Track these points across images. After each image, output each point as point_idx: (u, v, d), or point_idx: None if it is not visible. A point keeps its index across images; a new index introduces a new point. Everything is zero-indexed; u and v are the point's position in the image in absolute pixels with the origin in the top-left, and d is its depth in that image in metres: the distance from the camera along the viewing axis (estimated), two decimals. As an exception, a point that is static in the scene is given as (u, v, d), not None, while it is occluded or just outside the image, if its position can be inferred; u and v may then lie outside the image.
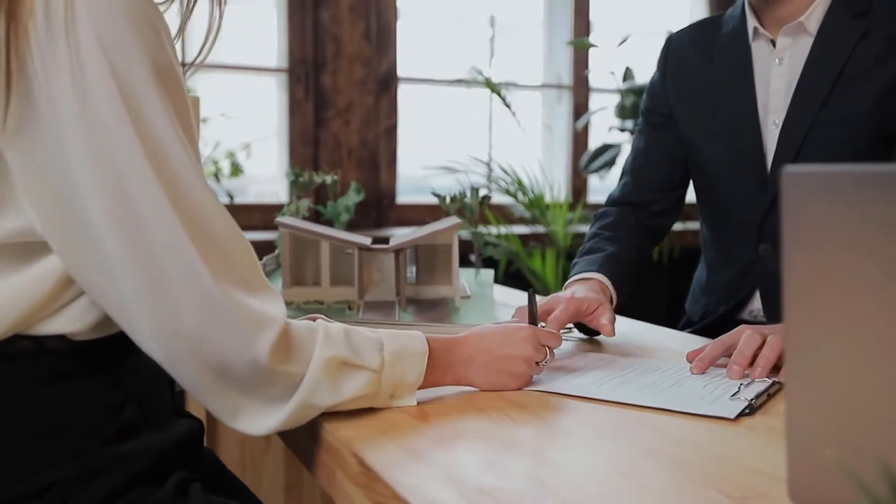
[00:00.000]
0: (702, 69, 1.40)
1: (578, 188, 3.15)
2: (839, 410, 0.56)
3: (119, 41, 0.69)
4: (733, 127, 1.34)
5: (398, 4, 2.83)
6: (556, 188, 2.76)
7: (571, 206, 2.77)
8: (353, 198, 1.56)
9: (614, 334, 1.12)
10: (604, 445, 0.76)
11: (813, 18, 1.26)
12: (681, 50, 1.44)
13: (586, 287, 1.19)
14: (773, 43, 1.30)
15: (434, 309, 1.29)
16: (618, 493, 0.64)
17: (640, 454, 0.73)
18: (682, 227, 2.91)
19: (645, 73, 3.08)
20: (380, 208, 2.84)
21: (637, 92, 2.94)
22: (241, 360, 0.72)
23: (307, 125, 2.73)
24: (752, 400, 0.86)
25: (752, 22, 1.32)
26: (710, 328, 1.37)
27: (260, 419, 0.75)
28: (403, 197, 2.95)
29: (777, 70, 1.30)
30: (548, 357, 0.95)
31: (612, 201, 1.50)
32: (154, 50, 0.72)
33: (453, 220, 1.36)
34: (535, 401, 0.89)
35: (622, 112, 2.96)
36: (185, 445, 0.84)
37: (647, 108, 1.49)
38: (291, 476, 1.60)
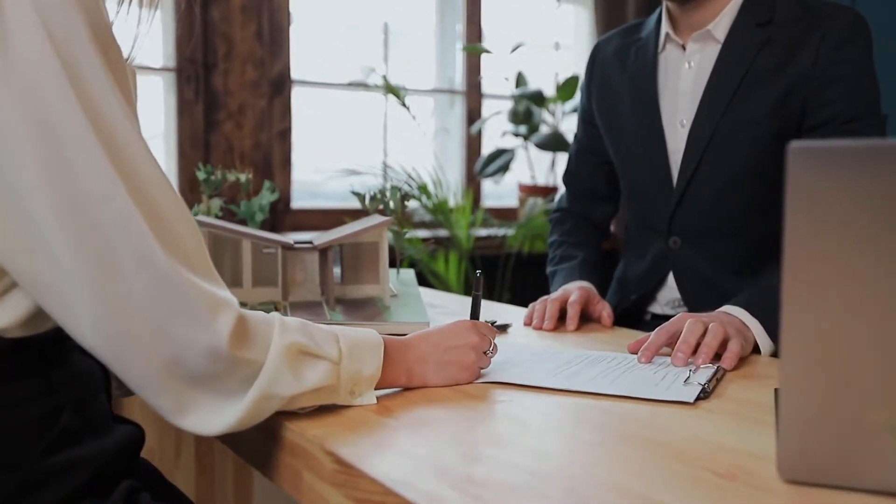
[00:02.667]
0: (616, 73, 1.46)
1: (473, 192, 3.17)
2: (835, 389, 0.57)
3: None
4: (640, 128, 1.40)
5: (290, 8, 2.77)
6: (458, 193, 2.78)
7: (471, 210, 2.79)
8: (267, 197, 1.50)
9: (611, 325, 1.29)
10: (577, 433, 0.75)
11: (720, 26, 1.32)
12: (603, 55, 1.52)
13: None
14: (684, 48, 1.36)
15: (364, 308, 1.25)
16: (611, 477, 0.63)
17: (616, 439, 0.73)
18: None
19: (534, 80, 3.14)
20: (274, 213, 2.76)
21: (530, 98, 2.99)
22: (198, 347, 0.66)
23: (197, 127, 2.62)
24: (705, 384, 0.88)
25: (665, 27, 1.38)
26: (623, 317, 1.42)
27: (214, 416, 0.69)
28: (297, 202, 2.88)
29: (686, 73, 1.36)
30: (493, 347, 0.94)
31: (561, 208, 1.65)
32: (92, 11, 0.66)
33: (378, 218, 1.33)
34: (491, 393, 0.87)
35: (515, 117, 3.01)
36: (128, 452, 0.78)
37: (580, 106, 1.60)
38: (203, 490, 1.52)
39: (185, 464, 1.50)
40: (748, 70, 1.29)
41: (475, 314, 1.01)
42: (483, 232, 2.81)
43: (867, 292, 0.55)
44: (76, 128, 0.63)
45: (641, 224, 1.46)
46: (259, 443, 0.80)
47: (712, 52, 1.33)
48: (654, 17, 1.44)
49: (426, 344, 0.88)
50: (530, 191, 3.09)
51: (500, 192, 3.37)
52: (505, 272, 2.80)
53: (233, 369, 0.68)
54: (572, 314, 1.25)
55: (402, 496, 0.59)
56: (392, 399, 0.84)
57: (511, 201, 3.29)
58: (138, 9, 0.86)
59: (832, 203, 0.53)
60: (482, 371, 0.93)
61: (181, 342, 0.66)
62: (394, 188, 1.48)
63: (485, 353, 0.92)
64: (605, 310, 1.29)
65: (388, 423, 0.76)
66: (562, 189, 1.66)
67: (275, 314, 0.75)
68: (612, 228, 1.66)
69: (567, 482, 0.62)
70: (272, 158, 2.75)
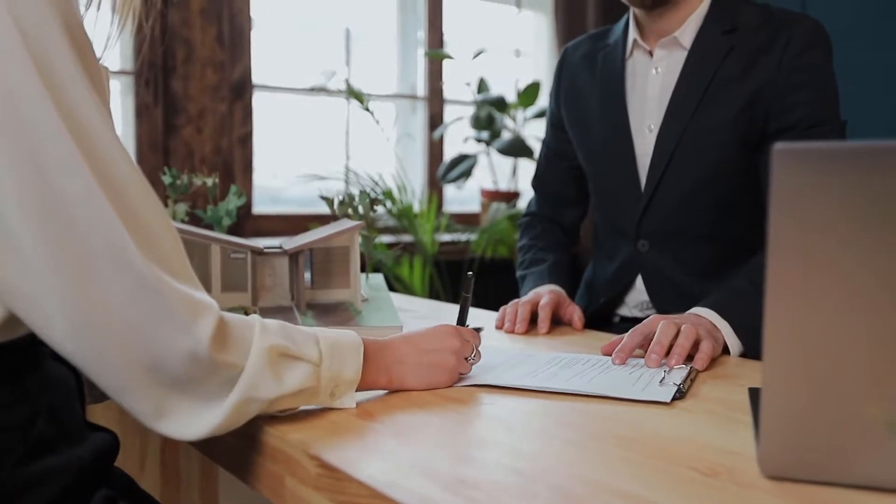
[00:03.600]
0: (585, 79, 1.48)
1: (437, 198, 3.18)
2: (817, 386, 0.59)
3: None
4: (609, 133, 1.41)
5: (252, 14, 2.74)
6: (423, 199, 2.78)
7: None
8: (233, 201, 1.49)
9: (582, 328, 1.30)
10: (559, 433, 0.76)
11: (687, 33, 1.34)
12: (572, 61, 1.53)
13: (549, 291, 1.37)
14: (651, 54, 1.38)
15: (335, 312, 1.24)
16: (597, 476, 0.64)
17: (598, 439, 0.73)
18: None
19: (495, 86, 3.15)
20: (235, 218, 2.73)
21: (492, 103, 3.01)
22: (178, 351, 0.65)
23: (156, 132, 2.59)
24: (680, 384, 0.89)
25: (633, 34, 1.40)
26: (591, 320, 1.43)
27: (194, 420, 0.68)
28: (258, 207, 2.86)
29: (653, 79, 1.38)
30: (475, 353, 0.94)
31: (530, 212, 1.66)
32: (65, 9, 0.64)
33: (349, 222, 1.33)
34: (471, 395, 0.88)
35: (477, 123, 3.02)
36: (103, 460, 0.76)
37: (549, 110, 1.61)
38: (168, 498, 1.50)
39: (150, 473, 1.47)
40: (714, 77, 1.31)
41: (463, 317, 1.01)
42: (446, 237, 2.82)
43: (849, 291, 0.56)
44: (49, 126, 0.61)
45: (610, 228, 1.48)
46: (238, 449, 0.79)
47: (679, 58, 1.35)
48: (621, 23, 1.46)
49: (406, 346, 0.88)
50: (493, 196, 3.10)
51: (461, 198, 3.38)
52: (468, 277, 2.80)
53: (213, 373, 0.67)
54: (544, 317, 1.25)
55: (393, 498, 0.59)
56: (373, 403, 0.83)
57: (473, 206, 3.30)
58: (111, 13, 0.85)
59: (815, 203, 0.55)
60: (461, 375, 0.93)
61: (161, 347, 0.64)
62: (362, 193, 1.48)
63: (466, 358, 0.93)
64: (575, 313, 1.30)
65: (370, 426, 0.76)
66: (524, 194, 1.68)
67: (255, 317, 0.74)
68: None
69: (555, 481, 0.62)
70: (233, 163, 2.72)
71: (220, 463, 0.84)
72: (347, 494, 0.64)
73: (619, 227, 1.43)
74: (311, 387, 0.75)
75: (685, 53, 1.35)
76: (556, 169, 1.58)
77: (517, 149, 2.96)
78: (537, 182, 1.64)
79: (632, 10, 1.40)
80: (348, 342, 0.80)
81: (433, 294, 2.75)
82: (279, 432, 0.73)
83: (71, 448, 0.72)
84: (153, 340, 0.64)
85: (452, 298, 2.79)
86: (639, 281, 1.42)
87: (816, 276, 0.56)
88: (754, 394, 0.84)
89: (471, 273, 1.04)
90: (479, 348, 0.96)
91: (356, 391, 0.81)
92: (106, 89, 0.71)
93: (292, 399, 0.74)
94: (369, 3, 3.18)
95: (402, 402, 0.84)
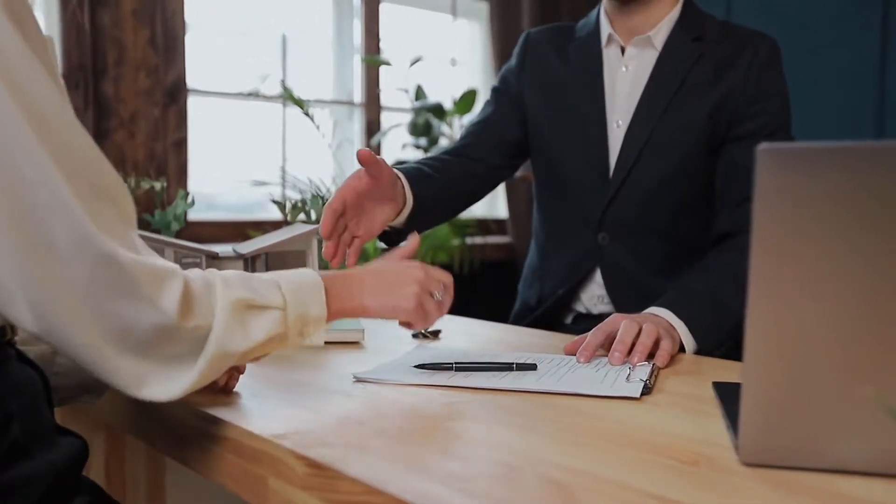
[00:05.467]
0: (557, 67, 1.49)
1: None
2: (795, 376, 0.61)
3: None
4: (581, 125, 1.44)
5: (186, 17, 2.69)
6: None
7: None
8: (182, 206, 1.46)
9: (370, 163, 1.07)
10: (537, 427, 0.77)
11: (659, 35, 1.40)
12: (539, 46, 1.53)
13: None
14: (623, 50, 1.42)
15: (293, 316, 1.23)
16: (583, 466, 0.65)
17: (576, 433, 0.75)
18: (482, 241, 3.06)
19: (429, 94, 3.17)
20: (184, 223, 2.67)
21: (429, 110, 3.02)
22: (147, 325, 0.67)
23: (87, 136, 2.51)
24: (646, 380, 0.92)
25: (606, 29, 1.44)
26: (551, 311, 1.45)
27: (172, 382, 0.70)
28: (192, 214, 2.80)
29: (623, 75, 1.42)
30: (443, 291, 0.94)
31: (446, 151, 1.48)
32: None
33: (303, 226, 1.32)
34: (445, 396, 0.88)
35: (415, 130, 3.03)
36: (76, 466, 0.74)
37: (498, 88, 1.55)
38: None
39: (95, 474, 1.43)
40: (684, 81, 1.37)
41: (477, 364, 1.00)
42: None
43: (829, 284, 0.59)
44: (6, 114, 0.61)
45: (570, 218, 1.47)
46: (214, 453, 0.78)
47: (649, 58, 1.41)
48: (591, 19, 1.49)
49: (365, 272, 0.90)
50: (430, 202, 3.11)
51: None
52: (408, 283, 2.80)
53: (184, 338, 0.69)
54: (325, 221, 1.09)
55: (390, 494, 0.59)
56: (355, 407, 0.83)
57: (410, 213, 3.30)
58: None
59: (798, 198, 0.57)
60: (429, 313, 0.92)
61: (129, 321, 0.66)
62: (314, 197, 1.47)
63: (432, 295, 0.92)
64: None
65: (353, 429, 0.76)
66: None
67: (212, 271, 0.75)
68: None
69: (542, 471, 0.63)
70: (167, 169, 2.66)
71: (195, 468, 0.82)
72: (340, 493, 0.64)
73: (581, 217, 1.44)
74: (279, 333, 0.77)
75: (656, 54, 1.40)
76: (475, 135, 1.49)
77: (455, 155, 2.97)
78: (454, 145, 1.50)
79: (603, 6, 1.45)
80: (310, 281, 0.81)
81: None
82: (261, 434, 0.73)
83: (44, 453, 0.70)
84: (119, 316, 0.65)
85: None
86: (597, 273, 1.43)
87: (797, 270, 0.59)
88: (720, 388, 0.87)
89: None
90: (435, 349, 0.96)
91: (328, 320, 0.82)
92: (53, 61, 0.70)
93: (263, 347, 0.76)
94: (305, 8, 3.16)
95: (381, 406, 0.84)
